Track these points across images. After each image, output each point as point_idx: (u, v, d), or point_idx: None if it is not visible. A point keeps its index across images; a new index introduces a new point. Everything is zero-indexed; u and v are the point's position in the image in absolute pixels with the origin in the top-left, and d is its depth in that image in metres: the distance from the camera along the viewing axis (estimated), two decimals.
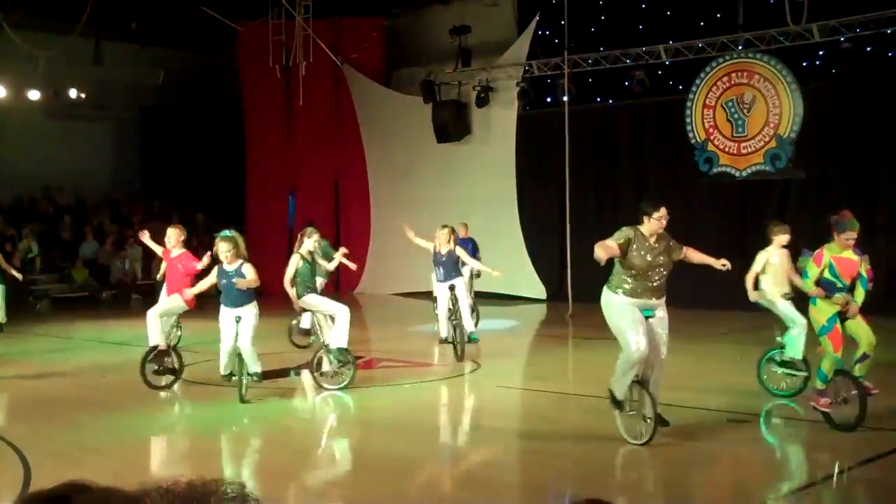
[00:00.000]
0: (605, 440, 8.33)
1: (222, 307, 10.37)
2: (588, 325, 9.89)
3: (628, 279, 8.05)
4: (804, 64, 17.92)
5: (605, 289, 8.25)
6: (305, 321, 13.95)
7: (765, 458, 8.09)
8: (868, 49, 16.85)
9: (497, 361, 13.20)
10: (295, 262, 11.29)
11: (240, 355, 10.24)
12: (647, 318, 8.08)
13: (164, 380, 11.20)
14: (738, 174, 18.24)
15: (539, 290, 20.63)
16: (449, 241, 13.67)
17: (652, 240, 8.12)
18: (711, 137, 18.49)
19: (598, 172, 20.28)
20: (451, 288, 13.41)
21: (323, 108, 23.52)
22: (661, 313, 8.24)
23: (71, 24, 20.14)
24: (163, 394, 11.14)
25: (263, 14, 22.86)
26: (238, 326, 10.22)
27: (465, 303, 13.45)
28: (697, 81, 18.61)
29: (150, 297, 21.45)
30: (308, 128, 23.82)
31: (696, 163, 18.65)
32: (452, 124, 21.60)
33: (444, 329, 13.65)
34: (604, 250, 7.82)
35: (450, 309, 13.43)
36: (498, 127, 21.34)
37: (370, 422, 10.03)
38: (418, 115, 21.84)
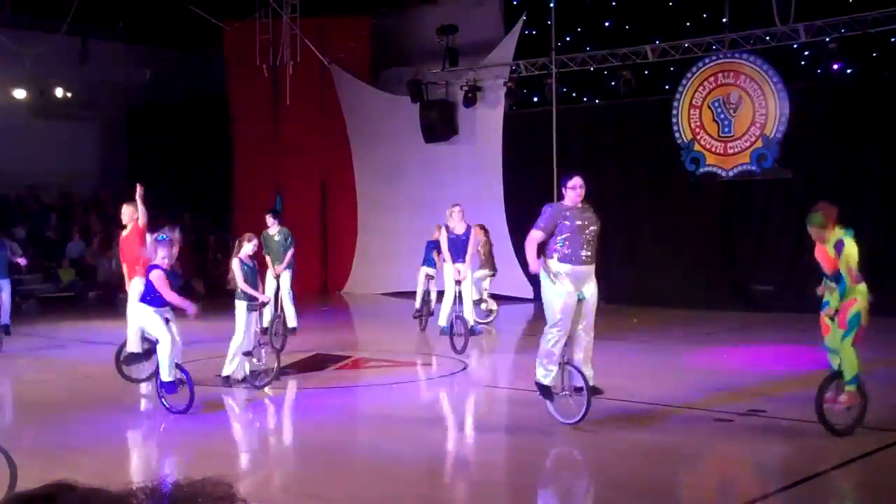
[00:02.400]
0: (591, 440, 8.36)
1: (153, 309, 9.83)
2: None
3: (561, 243, 8.44)
4: (790, 64, 17.98)
5: (542, 257, 8.60)
6: (266, 320, 14.07)
7: (750, 458, 8.12)
8: (854, 49, 16.92)
9: (483, 361, 13.21)
10: (237, 267, 10.98)
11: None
12: (580, 300, 8.47)
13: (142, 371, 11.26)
14: (724, 174, 18.29)
15: (525, 290, 20.63)
16: (462, 219, 13.52)
17: (575, 207, 8.59)
18: (698, 137, 18.53)
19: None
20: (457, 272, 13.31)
21: (310, 107, 23.49)
22: (592, 289, 8.57)
23: (57, 23, 20.07)
24: (150, 393, 11.11)
25: (250, 13, 22.84)
26: (170, 328, 9.85)
27: (469, 292, 13.44)
28: (684, 81, 18.64)
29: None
30: (295, 127, 23.78)
31: (683, 163, 18.69)
32: (440, 124, 21.60)
33: (445, 317, 13.49)
34: (530, 245, 8.48)
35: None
36: (485, 127, 21.34)
37: (356, 422, 10.03)
38: (405, 115, 21.83)
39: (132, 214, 11.64)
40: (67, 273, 23.28)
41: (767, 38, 17.37)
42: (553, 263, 8.42)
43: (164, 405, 9.76)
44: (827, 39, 16.63)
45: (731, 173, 18.22)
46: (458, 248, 13.41)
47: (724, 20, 18.24)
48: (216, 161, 25.09)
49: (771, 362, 12.48)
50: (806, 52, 17.80)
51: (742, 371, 11.94)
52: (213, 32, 23.96)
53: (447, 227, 13.52)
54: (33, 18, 22.25)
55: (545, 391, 8.61)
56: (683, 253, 18.60)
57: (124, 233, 11.72)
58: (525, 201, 20.64)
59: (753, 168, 17.94)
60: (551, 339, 8.47)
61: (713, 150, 18.37)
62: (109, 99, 26.48)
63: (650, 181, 19.26)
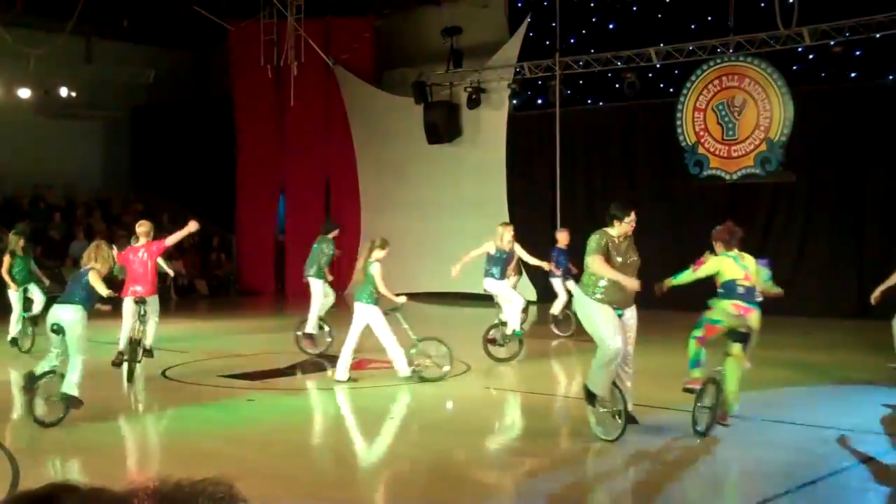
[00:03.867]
0: (593, 442, 8.35)
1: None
2: (577, 327, 10.13)
3: (604, 282, 8.23)
4: (794, 67, 17.97)
5: (578, 289, 8.52)
6: (311, 326, 13.93)
7: (753, 461, 8.11)
8: (858, 53, 16.91)
9: (486, 363, 13.19)
10: (379, 271, 11.13)
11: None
12: (618, 316, 8.32)
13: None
14: (728, 177, 18.28)
15: (529, 292, 20.63)
16: (512, 238, 13.57)
17: (621, 241, 8.40)
18: (702, 140, 18.53)
19: (588, 175, 20.30)
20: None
21: (314, 108, 23.50)
22: (630, 312, 8.47)
23: (62, 23, 20.08)
24: (151, 394, 11.12)
25: (255, 13, 22.85)
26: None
27: (518, 302, 13.56)
28: (688, 84, 18.64)
29: None
30: (299, 128, 23.80)
31: (687, 166, 18.69)
32: (443, 125, 21.61)
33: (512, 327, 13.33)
34: (607, 270, 8.17)
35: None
36: (489, 128, 21.35)
37: (358, 422, 10.03)
38: (409, 116, 21.84)
39: (149, 232, 11.85)
40: (71, 272, 23.25)
41: (772, 41, 17.36)
42: (591, 300, 8.30)
43: (38, 419, 9.00)
44: (831, 43, 16.62)
45: (734, 176, 18.21)
46: (506, 264, 13.55)
47: (728, 23, 18.23)
48: (220, 161, 25.12)
49: (774, 366, 12.46)
50: (810, 56, 17.78)
51: (745, 375, 11.91)
52: (218, 33, 23.97)
53: (497, 246, 13.45)
54: (38, 18, 22.26)
55: (592, 397, 8.37)
56: (687, 256, 18.52)
57: (136, 243, 11.94)
58: (528, 203, 20.69)
59: (757, 171, 17.93)
60: (607, 358, 8.21)
61: (717, 153, 18.36)
62: (114, 98, 26.49)
63: (654, 184, 19.24)
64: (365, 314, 11.18)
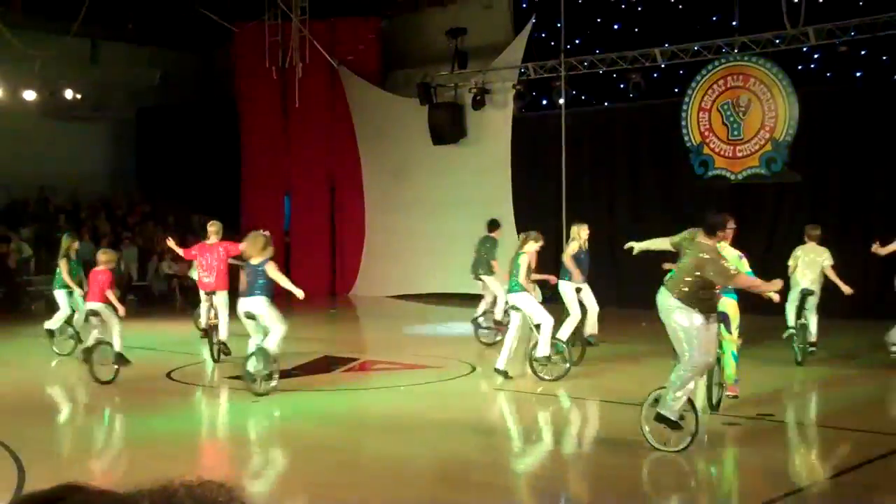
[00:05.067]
0: (597, 443, 8.35)
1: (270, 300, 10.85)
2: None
3: (707, 294, 7.89)
4: (800, 67, 17.95)
5: (670, 295, 7.90)
6: (499, 313, 14.27)
7: (758, 461, 8.10)
8: (864, 53, 16.88)
9: (492, 364, 13.19)
10: (526, 262, 11.60)
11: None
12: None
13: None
14: (733, 177, 18.25)
15: (535, 293, 20.60)
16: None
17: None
18: (707, 141, 18.50)
19: (593, 175, 20.28)
20: (578, 290, 13.09)
21: (318, 109, 23.52)
22: (713, 318, 8.15)
23: (67, 24, 20.12)
24: (156, 395, 11.14)
25: (260, 15, 22.90)
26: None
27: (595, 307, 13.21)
28: (693, 84, 18.62)
29: (146, 298, 21.42)
30: (304, 129, 23.83)
31: (692, 166, 18.66)
32: (448, 126, 21.60)
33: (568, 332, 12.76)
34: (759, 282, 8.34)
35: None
36: (494, 129, 21.33)
37: (365, 424, 10.03)
38: (414, 117, 21.83)
39: (219, 231, 13.45)
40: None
41: (777, 41, 17.33)
42: (686, 308, 7.84)
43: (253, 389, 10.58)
44: (837, 42, 16.59)
45: (739, 177, 18.18)
46: (586, 265, 13.17)
47: (733, 23, 18.21)
48: (225, 162, 25.13)
49: (780, 366, 12.45)
50: (816, 56, 17.76)
51: (751, 375, 11.90)
52: (223, 34, 24.01)
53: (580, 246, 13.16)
54: (44, 20, 22.30)
55: (676, 424, 7.85)
56: None
57: (208, 242, 13.45)
58: (533, 204, 20.67)
59: (762, 171, 17.90)
60: (692, 373, 7.82)
61: (722, 153, 18.34)
62: (119, 100, 26.52)
63: (659, 184, 19.22)
64: (518, 303, 11.58)
